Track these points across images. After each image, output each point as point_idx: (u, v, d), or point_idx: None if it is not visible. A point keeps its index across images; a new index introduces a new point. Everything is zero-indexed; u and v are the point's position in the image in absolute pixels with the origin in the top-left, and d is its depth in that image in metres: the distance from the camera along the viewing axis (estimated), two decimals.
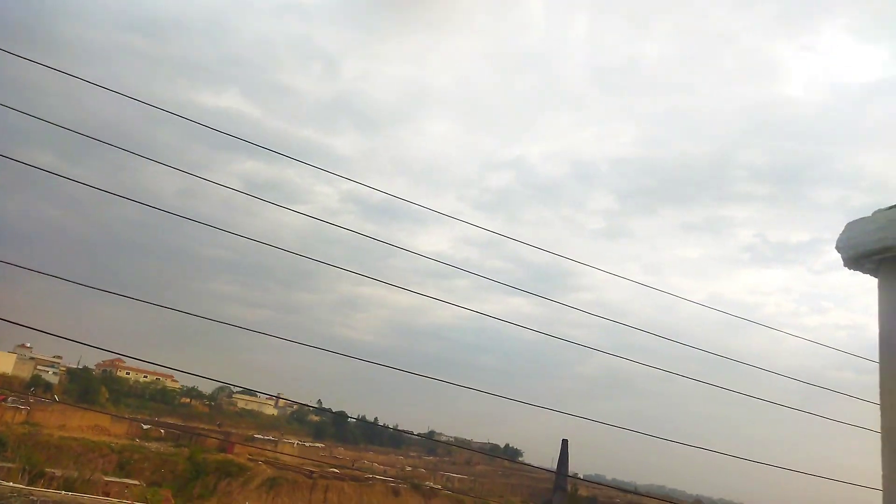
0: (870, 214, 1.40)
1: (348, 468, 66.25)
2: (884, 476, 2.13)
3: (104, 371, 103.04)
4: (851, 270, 1.53)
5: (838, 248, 1.52)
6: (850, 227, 1.45)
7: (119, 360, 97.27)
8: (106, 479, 43.92)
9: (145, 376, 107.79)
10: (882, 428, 2.19)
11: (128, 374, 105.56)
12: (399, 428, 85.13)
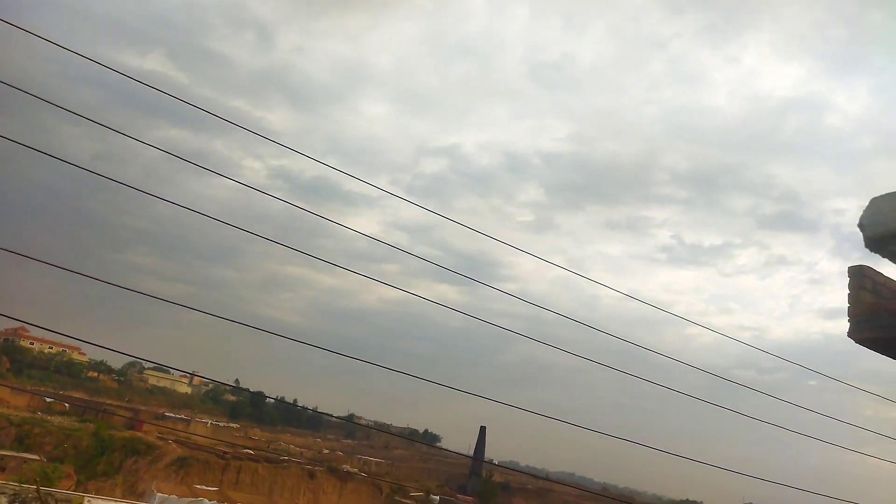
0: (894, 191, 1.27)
1: (263, 450, 65.10)
2: None
3: (6, 340, 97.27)
4: (871, 252, 1.43)
5: (862, 226, 1.36)
6: (877, 203, 1.30)
7: (23, 328, 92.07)
8: (2, 452, 41.58)
9: (51, 347, 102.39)
10: None
11: (32, 344, 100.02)
12: (318, 410, 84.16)
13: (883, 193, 1.19)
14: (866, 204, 3.74)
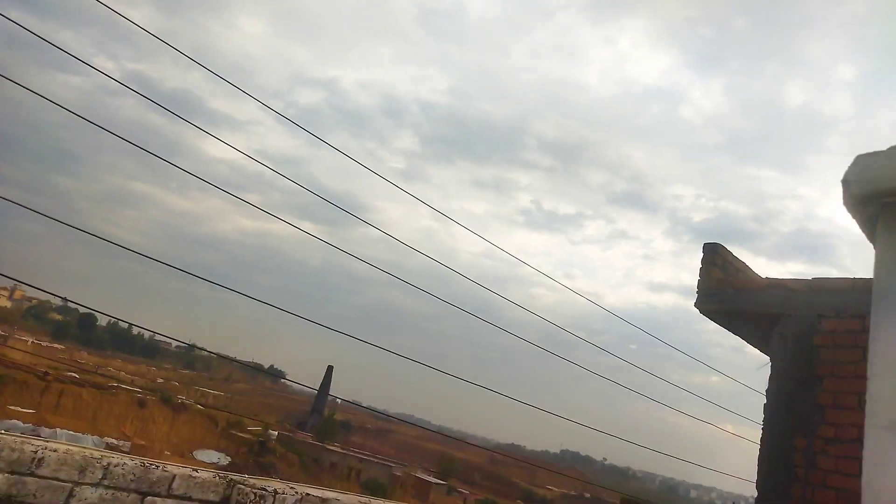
0: (884, 149, 1.22)
1: (90, 373, 60.86)
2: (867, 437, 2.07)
3: None
4: (848, 213, 1.39)
5: (846, 182, 1.30)
6: (863, 160, 1.24)
7: None
8: None
9: None
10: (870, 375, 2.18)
11: None
12: (156, 335, 79.80)
13: (871, 151, 1.16)
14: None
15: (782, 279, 4.98)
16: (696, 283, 5.33)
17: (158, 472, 2.63)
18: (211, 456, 44.92)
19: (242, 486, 2.82)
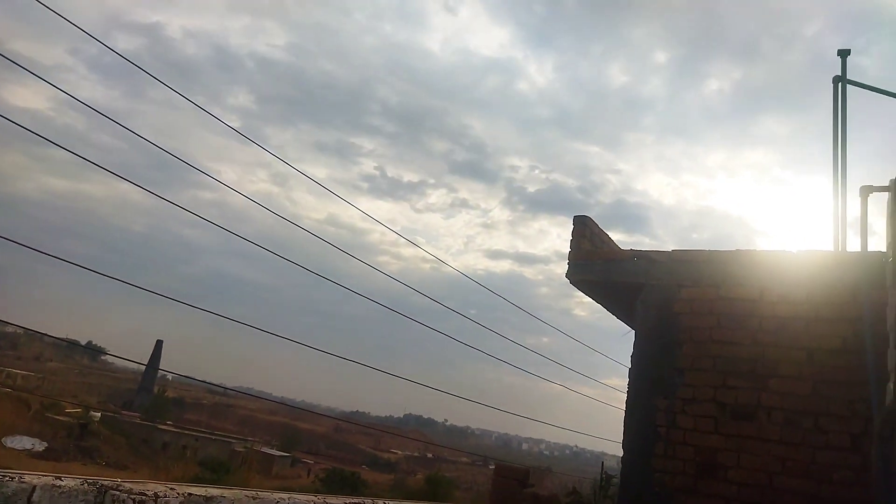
0: None
1: None
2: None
3: None
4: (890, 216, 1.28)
5: None
6: None
7: None
8: None
9: None
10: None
11: None
12: None
13: None
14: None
15: (645, 251, 5.27)
16: (567, 255, 5.50)
17: (14, 485, 2.19)
18: (24, 442, 40.44)
19: (117, 493, 2.45)
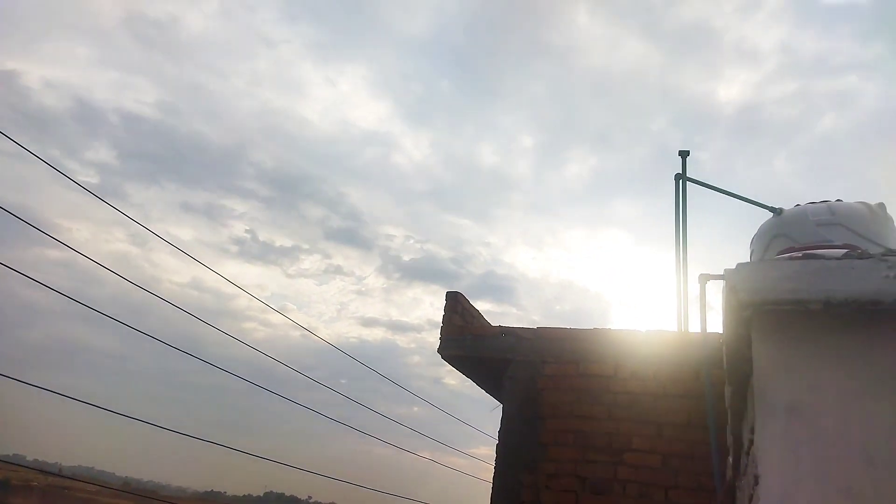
0: (765, 260, 1.32)
1: None
2: None
3: None
4: (725, 313, 1.37)
5: (733, 289, 1.31)
6: (745, 269, 1.26)
7: None
8: None
9: None
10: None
11: None
12: None
13: (749, 262, 1.27)
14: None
15: (513, 327, 5.48)
16: (440, 330, 5.60)
17: None
18: None
19: None
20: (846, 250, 1.30)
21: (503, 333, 5.44)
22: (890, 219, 4.22)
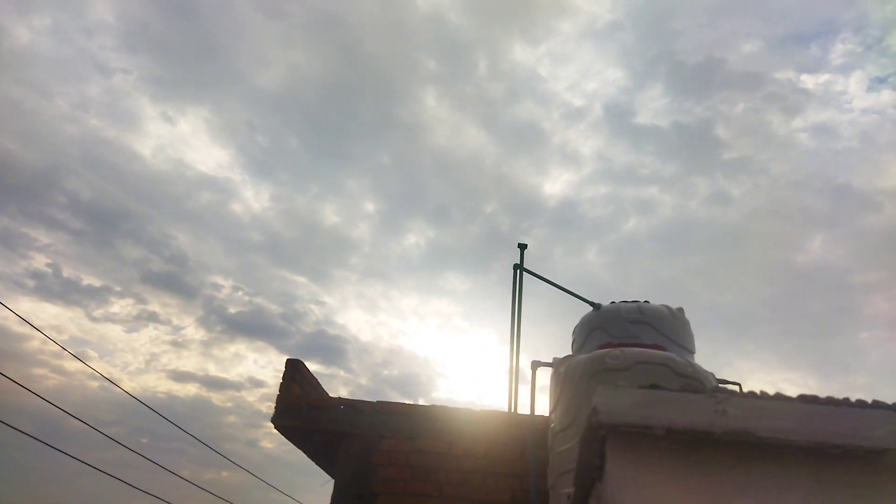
0: (621, 388, 1.43)
1: None
2: None
3: None
4: (584, 433, 1.46)
5: (595, 411, 1.40)
6: (606, 392, 1.40)
7: None
8: None
9: None
10: None
11: None
12: None
13: (611, 387, 1.40)
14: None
15: (352, 399, 5.46)
16: (276, 399, 5.42)
17: None
18: None
19: None
20: (683, 385, 1.55)
21: (342, 405, 5.39)
22: (687, 322, 4.84)
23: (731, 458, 1.40)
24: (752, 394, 1.42)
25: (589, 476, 1.68)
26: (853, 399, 1.39)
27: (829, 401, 1.38)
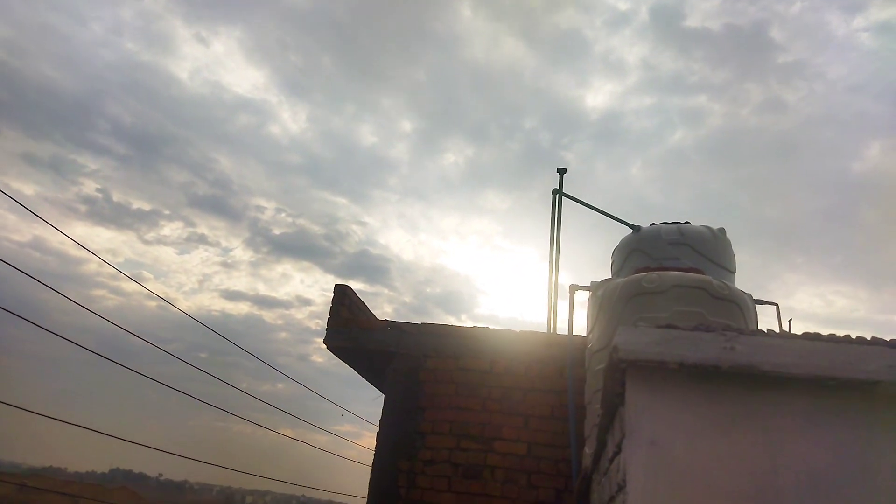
0: (639, 327, 1.61)
1: None
2: None
3: None
4: (608, 370, 1.66)
5: (615, 349, 1.60)
6: (625, 333, 1.58)
7: None
8: None
9: None
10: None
11: None
12: None
13: (630, 327, 1.55)
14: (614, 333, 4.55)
15: (398, 322, 5.77)
16: (327, 322, 5.77)
17: None
18: None
19: None
20: (698, 323, 1.69)
21: (388, 327, 5.71)
22: (728, 243, 4.88)
23: (737, 389, 1.56)
24: (759, 331, 1.56)
25: (613, 402, 1.86)
26: (854, 336, 1.52)
27: (831, 338, 1.51)
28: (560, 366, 5.27)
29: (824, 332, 1.57)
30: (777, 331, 1.78)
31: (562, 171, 5.86)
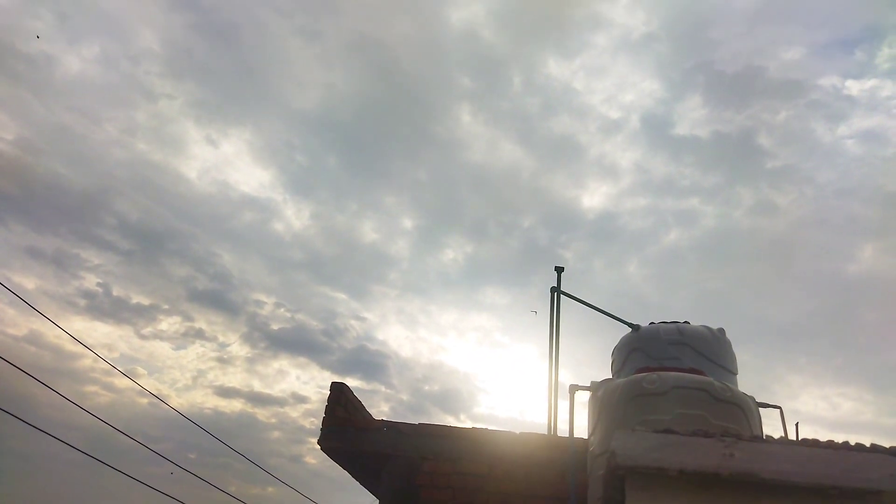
0: (635, 430, 1.61)
1: None
2: None
3: None
4: (604, 477, 1.63)
5: (612, 454, 1.57)
6: (623, 437, 1.58)
7: None
8: None
9: None
10: None
11: None
12: None
13: (627, 431, 1.55)
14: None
15: (394, 422, 5.65)
16: (321, 421, 5.65)
17: None
18: None
19: None
20: (696, 429, 1.68)
21: (384, 428, 5.58)
22: (728, 343, 4.85)
23: (737, 496, 1.53)
24: (757, 437, 1.55)
25: None
26: (854, 443, 1.50)
27: (830, 444, 1.50)
28: (561, 470, 5.11)
29: (832, 436, 1.56)
30: (783, 435, 1.77)
31: (559, 270, 5.93)
